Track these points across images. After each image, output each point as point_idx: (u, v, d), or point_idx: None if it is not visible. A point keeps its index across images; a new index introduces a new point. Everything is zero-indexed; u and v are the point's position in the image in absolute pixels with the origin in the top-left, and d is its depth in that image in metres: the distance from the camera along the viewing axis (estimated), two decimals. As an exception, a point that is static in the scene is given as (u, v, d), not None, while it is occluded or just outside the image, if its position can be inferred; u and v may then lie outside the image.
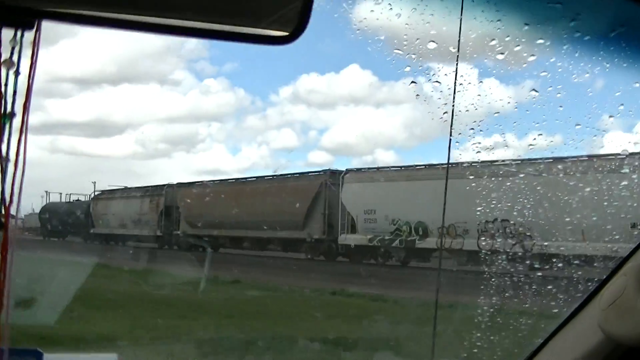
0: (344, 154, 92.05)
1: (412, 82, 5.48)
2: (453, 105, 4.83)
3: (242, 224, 38.28)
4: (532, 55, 4.72)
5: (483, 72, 4.98)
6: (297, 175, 39.52)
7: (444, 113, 4.92)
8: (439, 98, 4.92)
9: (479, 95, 5.23)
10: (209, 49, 77.69)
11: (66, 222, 56.43)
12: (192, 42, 77.78)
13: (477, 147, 5.46)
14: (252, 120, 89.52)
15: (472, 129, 5.06)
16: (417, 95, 6.03)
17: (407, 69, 5.04)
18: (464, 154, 5.27)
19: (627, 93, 4.93)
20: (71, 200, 61.96)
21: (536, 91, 5.07)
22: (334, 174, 34.90)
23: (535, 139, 5.78)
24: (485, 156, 5.88)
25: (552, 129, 6.01)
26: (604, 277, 2.66)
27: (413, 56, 4.74)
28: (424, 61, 4.92)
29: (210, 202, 41.48)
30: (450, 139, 5.02)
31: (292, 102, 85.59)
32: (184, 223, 44.22)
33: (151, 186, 50.33)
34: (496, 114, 5.60)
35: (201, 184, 46.70)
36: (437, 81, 4.83)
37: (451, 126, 4.98)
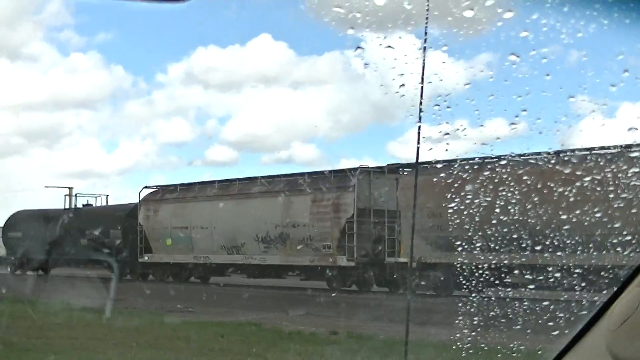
0: (251, 149, 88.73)
1: (358, 47, 5.28)
2: (423, 73, 4.70)
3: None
4: (509, 10, 4.65)
5: (447, 33, 4.88)
6: None
7: (400, 86, 4.79)
8: (392, 68, 4.79)
9: (443, 63, 5.11)
10: (75, 13, 72.69)
11: (65, 242, 39.00)
12: (55, 4, 72.71)
13: (444, 130, 5.33)
14: (134, 106, 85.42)
15: (437, 105, 4.93)
16: (366, 64, 5.77)
17: (351, 31, 4.87)
18: (428, 143, 5.10)
19: (632, 56, 4.90)
20: (72, 205, 44.77)
21: (516, 55, 5.00)
22: None
23: (517, 116, 5.72)
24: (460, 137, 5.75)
25: (539, 102, 5.96)
26: (613, 290, 2.61)
27: (357, 15, 4.57)
28: (363, 21, 4.80)
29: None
30: (419, 126, 4.88)
31: (185, 83, 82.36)
32: (421, 243, 25.67)
33: (311, 174, 32.32)
34: (467, 85, 5.48)
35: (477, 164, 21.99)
36: (389, 46, 4.69)
37: (420, 105, 4.84)
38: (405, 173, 28.04)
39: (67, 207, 44.98)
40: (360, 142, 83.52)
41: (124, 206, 41.09)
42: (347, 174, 30.93)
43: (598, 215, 6.01)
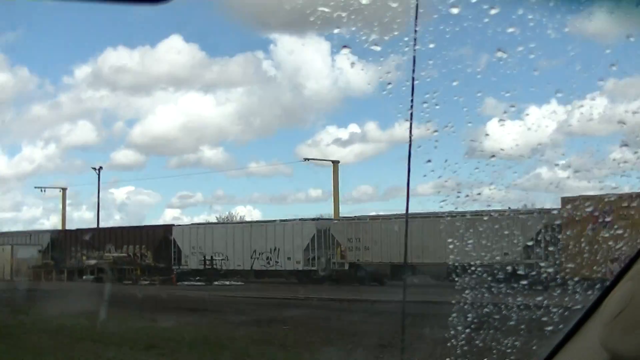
0: (159, 153, 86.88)
1: (345, 46, 5.18)
2: (413, 72, 4.63)
3: None
4: (493, 8, 4.66)
5: (433, 30, 4.83)
6: None
7: (387, 85, 4.75)
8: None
9: (430, 62, 5.05)
10: (-24, 12, 69.72)
11: None
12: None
13: (432, 125, 5.23)
14: (39, 109, 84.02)
15: (425, 103, 4.90)
16: (353, 63, 5.66)
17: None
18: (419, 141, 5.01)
19: (620, 49, 4.93)
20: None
21: (503, 52, 4.99)
22: None
23: (505, 112, 5.72)
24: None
25: (526, 97, 5.96)
26: (606, 284, 2.63)
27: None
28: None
29: None
30: (410, 127, 4.80)
31: (92, 86, 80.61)
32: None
33: None
34: (455, 83, 5.44)
35: None
36: (374, 45, 4.62)
37: (412, 103, 4.77)
38: None
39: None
40: (270, 145, 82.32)
41: None
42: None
43: (589, 210, 6.04)
